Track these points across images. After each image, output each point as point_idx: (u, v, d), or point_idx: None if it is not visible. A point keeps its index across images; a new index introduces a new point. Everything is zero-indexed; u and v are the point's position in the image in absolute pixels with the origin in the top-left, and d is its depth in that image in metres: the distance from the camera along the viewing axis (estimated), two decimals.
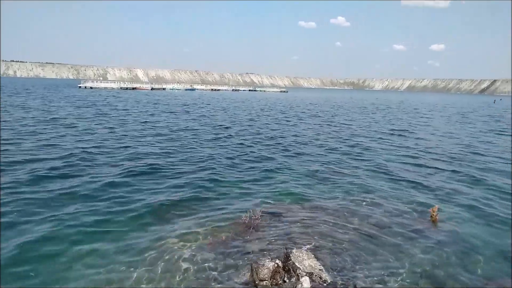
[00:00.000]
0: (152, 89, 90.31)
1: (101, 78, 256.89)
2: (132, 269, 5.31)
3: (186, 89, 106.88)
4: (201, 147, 14.65)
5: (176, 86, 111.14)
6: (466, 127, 27.37)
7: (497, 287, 5.10)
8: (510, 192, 9.58)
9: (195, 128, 20.76)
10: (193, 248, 5.99)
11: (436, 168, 12.33)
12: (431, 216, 7.38)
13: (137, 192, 8.63)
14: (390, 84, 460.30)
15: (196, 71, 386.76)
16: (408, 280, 5.18)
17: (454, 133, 22.78)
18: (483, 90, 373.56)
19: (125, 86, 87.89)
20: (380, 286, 5.01)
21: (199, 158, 12.52)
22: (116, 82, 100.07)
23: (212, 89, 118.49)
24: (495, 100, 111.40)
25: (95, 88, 79.75)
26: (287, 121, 27.19)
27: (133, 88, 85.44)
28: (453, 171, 11.94)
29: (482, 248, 6.33)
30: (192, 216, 7.37)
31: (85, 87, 78.52)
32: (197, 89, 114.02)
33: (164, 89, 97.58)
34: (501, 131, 25.03)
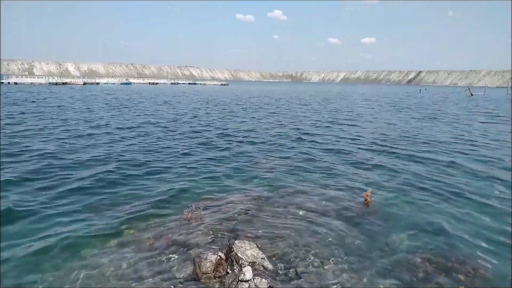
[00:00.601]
0: (84, 83, 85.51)
1: (27, 73, 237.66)
2: (76, 272, 5.04)
3: (121, 83, 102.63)
4: (152, 143, 14.17)
5: (110, 80, 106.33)
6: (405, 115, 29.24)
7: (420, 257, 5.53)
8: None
9: (148, 123, 20.02)
10: (134, 247, 5.81)
11: (373, 152, 13.05)
12: (365, 200, 7.82)
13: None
14: (326, 76, 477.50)
15: (132, 64, 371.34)
16: (346, 262, 5.45)
17: (395, 122, 24.24)
18: (410, 81, 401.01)
19: (54, 81, 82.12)
20: (320, 269, 5.23)
21: (144, 152, 12.11)
22: (45, 77, 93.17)
23: (149, 83, 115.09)
24: (420, 90, 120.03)
25: (21, 84, 73.51)
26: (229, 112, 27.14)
27: (64, 83, 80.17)
28: (394, 155, 12.71)
29: (407, 226, 6.82)
30: (132, 214, 7.13)
31: (9, 83, 72.13)
32: (134, 83, 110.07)
33: (97, 83, 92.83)
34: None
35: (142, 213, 7.20)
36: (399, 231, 6.59)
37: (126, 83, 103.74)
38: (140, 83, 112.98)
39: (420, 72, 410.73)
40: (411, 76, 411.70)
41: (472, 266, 5.41)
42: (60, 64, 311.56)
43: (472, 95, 79.27)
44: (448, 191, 8.89)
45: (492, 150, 14.30)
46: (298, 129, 19.65)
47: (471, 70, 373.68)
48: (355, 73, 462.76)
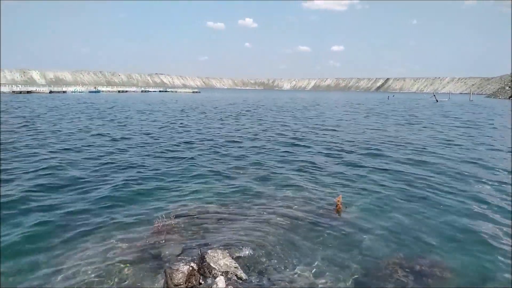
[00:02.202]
0: (51, 92, 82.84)
1: None
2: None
3: (90, 91, 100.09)
4: (125, 154, 13.80)
5: (78, 88, 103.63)
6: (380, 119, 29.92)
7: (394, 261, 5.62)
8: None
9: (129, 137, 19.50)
10: (103, 258, 5.62)
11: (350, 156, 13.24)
12: (337, 205, 7.90)
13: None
14: (298, 83, 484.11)
15: (100, 72, 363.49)
16: (318, 268, 5.47)
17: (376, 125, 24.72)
18: (378, 88, 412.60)
19: (18, 89, 79.06)
20: (293, 276, 5.22)
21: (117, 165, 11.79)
22: (8, 85, 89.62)
23: (119, 91, 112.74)
24: (388, 96, 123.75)
25: None
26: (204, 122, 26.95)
27: (28, 92, 77.32)
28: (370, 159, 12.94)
29: (378, 230, 6.93)
30: (101, 224, 6.91)
31: None
32: (102, 91, 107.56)
33: (64, 92, 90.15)
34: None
35: (110, 223, 6.99)
36: (370, 235, 6.69)
37: (95, 91, 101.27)
38: (109, 91, 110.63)
39: (388, 79, 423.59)
40: (379, 83, 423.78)
41: (440, 269, 5.54)
42: (24, 72, 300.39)
43: (437, 101, 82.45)
44: (422, 195, 9.12)
45: (479, 152, 14.81)
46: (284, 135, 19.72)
47: (436, 77, 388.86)
48: (325, 81, 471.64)
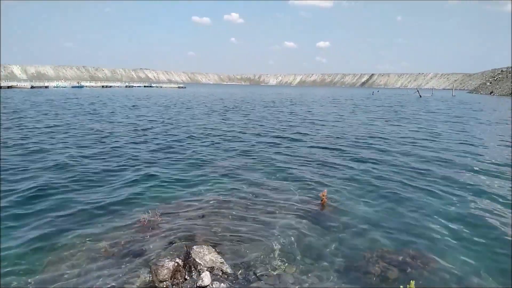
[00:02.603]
0: (32, 87, 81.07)
1: None
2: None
3: (73, 87, 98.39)
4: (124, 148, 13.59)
5: (61, 83, 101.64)
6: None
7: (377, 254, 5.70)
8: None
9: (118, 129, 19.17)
10: (87, 255, 5.54)
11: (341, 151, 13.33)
12: (321, 200, 7.95)
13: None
14: (284, 79, 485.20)
15: (83, 66, 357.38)
16: (305, 263, 5.50)
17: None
18: (363, 83, 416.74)
19: None
20: (279, 271, 5.23)
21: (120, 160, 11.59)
22: None
23: (102, 86, 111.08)
24: (373, 92, 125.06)
25: None
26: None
27: (9, 87, 75.49)
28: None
29: (363, 224, 7.01)
30: (85, 221, 6.81)
31: None
32: (86, 86, 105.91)
33: (46, 87, 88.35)
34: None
35: (95, 219, 6.89)
36: (356, 229, 6.76)
37: (78, 87, 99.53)
38: (93, 86, 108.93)
39: (372, 75, 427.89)
40: (364, 79, 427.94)
41: (423, 260, 5.63)
42: (4, 67, 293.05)
43: (421, 96, 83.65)
44: (406, 187, 9.25)
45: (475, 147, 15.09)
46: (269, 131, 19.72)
47: (419, 73, 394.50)
48: (311, 76, 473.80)
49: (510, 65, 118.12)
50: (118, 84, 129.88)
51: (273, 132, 19.59)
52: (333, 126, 23.04)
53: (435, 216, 7.43)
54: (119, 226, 6.67)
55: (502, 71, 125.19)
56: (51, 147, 13.75)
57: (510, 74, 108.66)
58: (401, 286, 3.58)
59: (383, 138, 17.72)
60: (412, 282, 3.26)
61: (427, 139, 17.42)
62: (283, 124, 23.64)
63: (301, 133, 19.15)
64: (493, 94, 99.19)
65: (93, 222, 6.86)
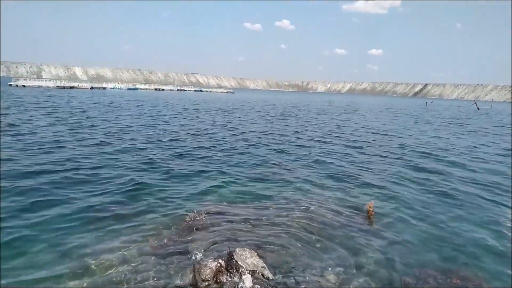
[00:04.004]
0: (91, 88, 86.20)
1: (35, 76, 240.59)
2: (73, 281, 5.03)
3: (128, 89, 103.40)
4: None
5: (117, 85, 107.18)
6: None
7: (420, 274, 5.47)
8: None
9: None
10: (135, 250, 5.82)
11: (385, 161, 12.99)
12: (368, 212, 7.76)
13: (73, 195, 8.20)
14: (332, 86, 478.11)
15: (139, 70, 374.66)
16: (345, 273, 5.41)
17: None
18: (416, 93, 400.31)
19: (61, 84, 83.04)
20: (319, 278, 5.19)
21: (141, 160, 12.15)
22: (52, 80, 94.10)
23: (156, 89, 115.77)
24: (426, 103, 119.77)
25: (28, 86, 74.47)
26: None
27: (71, 87, 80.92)
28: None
29: (407, 239, 6.76)
30: (132, 219, 7.15)
31: (17, 85, 73.01)
32: (140, 88, 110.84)
33: (104, 88, 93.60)
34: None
35: (141, 218, 7.21)
36: (402, 244, 6.53)
37: (133, 89, 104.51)
38: (147, 88, 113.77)
39: (426, 84, 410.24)
40: (417, 89, 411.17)
41: (475, 282, 5.34)
42: (68, 68, 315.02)
43: (478, 109, 79.04)
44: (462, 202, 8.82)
45: None
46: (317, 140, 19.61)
47: (478, 84, 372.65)
48: (361, 84, 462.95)
49: None
50: (171, 87, 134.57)
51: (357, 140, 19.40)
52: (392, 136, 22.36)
53: (491, 237, 7.01)
54: (165, 224, 6.92)
55: None
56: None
57: None
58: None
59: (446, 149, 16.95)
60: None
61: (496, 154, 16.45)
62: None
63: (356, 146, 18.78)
64: None
65: (141, 218, 7.18)
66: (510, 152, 17.56)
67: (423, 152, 16.29)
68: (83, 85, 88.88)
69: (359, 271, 5.51)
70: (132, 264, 5.44)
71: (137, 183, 9.33)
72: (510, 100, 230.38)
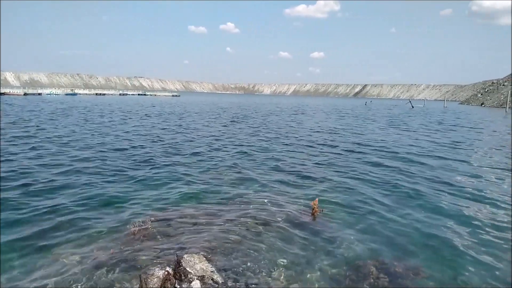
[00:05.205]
0: (25, 94, 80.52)
1: None
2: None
3: (66, 94, 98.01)
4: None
5: (54, 91, 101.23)
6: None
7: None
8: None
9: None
10: (75, 263, 5.51)
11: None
12: (313, 209, 7.97)
13: None
14: (278, 88, 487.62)
15: (77, 74, 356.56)
16: (295, 271, 5.52)
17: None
18: (356, 94, 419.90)
19: None
20: (269, 279, 5.24)
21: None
22: None
23: (96, 94, 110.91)
24: (366, 102, 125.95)
25: None
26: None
27: (2, 94, 74.97)
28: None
29: (351, 233, 7.04)
30: (74, 229, 6.77)
31: None
32: (79, 93, 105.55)
33: (40, 94, 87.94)
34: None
35: (83, 229, 6.85)
36: (346, 239, 6.77)
37: (72, 94, 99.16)
38: (86, 93, 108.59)
39: (365, 85, 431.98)
40: (357, 89, 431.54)
41: (415, 271, 5.66)
42: None
43: (413, 107, 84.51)
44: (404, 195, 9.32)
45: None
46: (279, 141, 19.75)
47: (412, 84, 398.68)
48: (305, 86, 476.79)
49: (501, 78, 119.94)
50: (112, 92, 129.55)
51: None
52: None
53: (432, 229, 7.49)
54: (109, 235, 6.63)
55: (492, 83, 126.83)
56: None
57: (501, 86, 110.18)
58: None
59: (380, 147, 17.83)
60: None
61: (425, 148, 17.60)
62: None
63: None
64: (484, 106, 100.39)
65: (82, 230, 6.82)
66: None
67: (376, 149, 17.11)
68: (16, 91, 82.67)
69: (307, 268, 5.63)
70: (73, 276, 5.14)
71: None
72: (441, 99, 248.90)
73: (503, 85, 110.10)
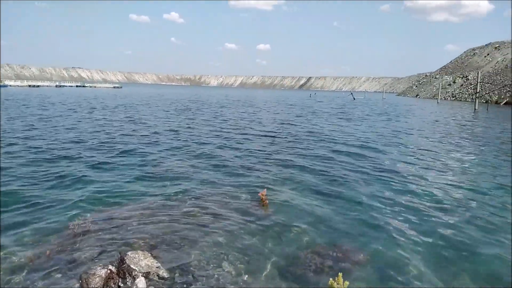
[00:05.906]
0: None
1: None
2: None
3: None
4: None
5: None
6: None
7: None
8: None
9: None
10: (10, 266, 5.13)
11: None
12: (261, 200, 8.06)
13: None
14: (225, 80, 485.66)
15: (8, 64, 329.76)
16: (243, 263, 5.54)
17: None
18: (301, 86, 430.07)
19: None
20: (217, 272, 5.22)
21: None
22: None
23: (29, 85, 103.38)
24: (310, 94, 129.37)
25: None
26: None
27: None
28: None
29: (301, 223, 7.23)
30: (7, 231, 6.29)
31: None
32: (10, 85, 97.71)
33: None
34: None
35: (20, 228, 6.39)
36: (292, 227, 6.92)
37: (2, 86, 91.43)
38: (18, 85, 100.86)
39: (310, 78, 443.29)
40: (302, 82, 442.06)
41: (355, 254, 5.94)
42: None
43: (354, 99, 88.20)
44: (343, 185, 9.68)
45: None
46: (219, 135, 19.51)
47: (353, 77, 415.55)
48: (251, 78, 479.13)
49: (433, 71, 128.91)
50: (48, 83, 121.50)
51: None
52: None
53: (370, 214, 7.88)
54: (45, 235, 6.24)
55: (426, 75, 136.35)
56: None
57: (433, 79, 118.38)
58: (330, 279, 3.75)
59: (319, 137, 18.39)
60: (340, 275, 3.44)
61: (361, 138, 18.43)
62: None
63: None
64: (418, 97, 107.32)
65: (17, 229, 6.35)
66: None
67: (326, 140, 17.62)
68: None
69: (257, 259, 5.68)
70: (8, 280, 4.78)
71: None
72: (380, 90, 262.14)
73: (435, 77, 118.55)
